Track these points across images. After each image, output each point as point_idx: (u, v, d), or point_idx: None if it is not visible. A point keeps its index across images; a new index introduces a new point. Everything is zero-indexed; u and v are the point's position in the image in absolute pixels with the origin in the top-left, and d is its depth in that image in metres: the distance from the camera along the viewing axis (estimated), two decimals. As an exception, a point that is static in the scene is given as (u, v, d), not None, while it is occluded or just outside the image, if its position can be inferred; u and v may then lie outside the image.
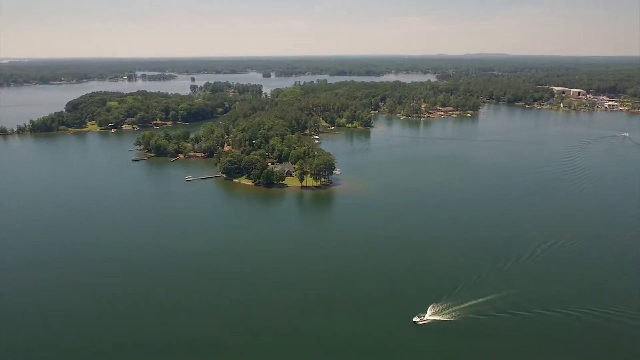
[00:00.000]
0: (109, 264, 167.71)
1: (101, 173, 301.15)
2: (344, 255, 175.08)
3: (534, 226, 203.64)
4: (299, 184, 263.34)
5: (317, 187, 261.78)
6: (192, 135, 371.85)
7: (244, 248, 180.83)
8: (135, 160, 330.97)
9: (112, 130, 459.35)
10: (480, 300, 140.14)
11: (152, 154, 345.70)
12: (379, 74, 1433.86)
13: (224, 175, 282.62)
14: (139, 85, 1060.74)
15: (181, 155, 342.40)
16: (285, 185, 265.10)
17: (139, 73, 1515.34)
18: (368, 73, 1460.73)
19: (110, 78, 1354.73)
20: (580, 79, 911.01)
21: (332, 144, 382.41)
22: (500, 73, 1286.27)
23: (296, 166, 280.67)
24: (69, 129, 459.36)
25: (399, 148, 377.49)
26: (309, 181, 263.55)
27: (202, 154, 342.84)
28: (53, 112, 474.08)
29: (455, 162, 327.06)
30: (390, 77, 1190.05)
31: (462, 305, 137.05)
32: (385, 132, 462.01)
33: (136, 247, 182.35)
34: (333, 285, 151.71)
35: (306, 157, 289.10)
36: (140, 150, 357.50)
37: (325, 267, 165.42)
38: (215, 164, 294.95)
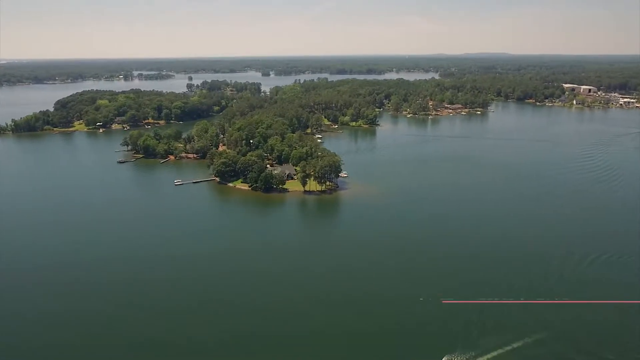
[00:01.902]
0: (86, 271, 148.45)
1: (81, 176, 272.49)
2: (347, 275, 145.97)
3: (564, 234, 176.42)
4: (301, 189, 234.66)
5: (322, 191, 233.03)
6: (185, 135, 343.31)
7: (236, 265, 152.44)
8: (120, 162, 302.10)
9: (100, 130, 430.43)
10: (510, 348, 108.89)
11: (140, 155, 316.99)
12: (380, 73, 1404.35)
13: (218, 179, 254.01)
14: (135, 84, 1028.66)
15: (172, 157, 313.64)
16: (285, 190, 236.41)
17: (135, 72, 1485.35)
18: (369, 72, 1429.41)
19: (106, 77, 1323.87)
20: (588, 77, 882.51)
21: (336, 144, 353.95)
22: (503, 71, 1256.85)
23: (298, 168, 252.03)
24: (55, 128, 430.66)
25: (408, 148, 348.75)
26: (312, 185, 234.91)
27: (195, 155, 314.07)
28: (38, 111, 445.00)
29: (471, 163, 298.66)
30: (391, 76, 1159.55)
31: (487, 356, 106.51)
32: (392, 131, 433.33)
33: (112, 258, 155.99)
34: (331, 318, 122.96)
35: (309, 158, 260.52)
36: (127, 151, 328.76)
37: (327, 288, 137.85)
38: (208, 166, 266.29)
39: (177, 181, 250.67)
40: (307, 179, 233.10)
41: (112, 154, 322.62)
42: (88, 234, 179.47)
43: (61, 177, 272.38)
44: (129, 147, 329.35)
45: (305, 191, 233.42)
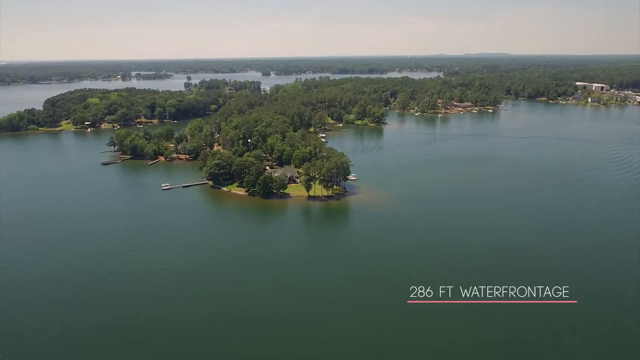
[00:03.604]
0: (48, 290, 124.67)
1: (57, 179, 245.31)
2: (357, 306, 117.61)
3: (619, 246, 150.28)
4: (305, 194, 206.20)
5: (329, 197, 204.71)
6: (177, 134, 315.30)
7: (225, 286, 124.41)
8: (104, 164, 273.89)
9: (88, 130, 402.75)
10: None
11: (127, 157, 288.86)
12: (382, 72, 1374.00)
13: (211, 182, 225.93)
14: (133, 84, 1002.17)
15: (162, 158, 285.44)
16: (287, 195, 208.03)
17: (133, 73, 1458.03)
18: (371, 71, 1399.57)
19: (103, 77, 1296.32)
20: (597, 75, 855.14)
21: (341, 143, 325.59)
22: (508, 70, 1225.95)
23: (301, 170, 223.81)
24: (40, 128, 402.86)
25: (421, 147, 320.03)
26: (317, 189, 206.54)
27: (187, 156, 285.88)
28: (22, 110, 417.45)
29: (492, 163, 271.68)
30: (394, 75, 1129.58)
31: None
32: (402, 130, 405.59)
33: (80, 273, 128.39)
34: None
35: (313, 158, 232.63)
36: (114, 151, 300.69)
37: (334, 316, 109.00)
38: (200, 168, 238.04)
39: (164, 185, 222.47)
40: (311, 183, 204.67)
41: (97, 155, 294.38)
42: (52, 249, 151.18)
43: (34, 181, 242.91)
44: (116, 148, 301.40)
45: (309, 196, 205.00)
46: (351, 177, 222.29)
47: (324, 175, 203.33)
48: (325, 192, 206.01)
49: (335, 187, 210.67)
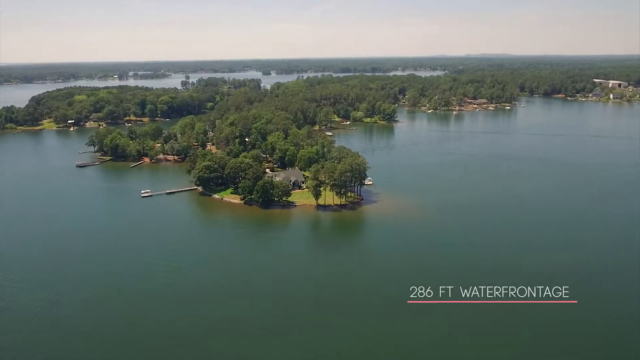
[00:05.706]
0: None
1: (19, 185, 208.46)
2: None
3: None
4: (313, 202, 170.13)
5: (341, 206, 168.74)
6: (165, 133, 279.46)
7: (215, 321, 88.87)
8: (80, 166, 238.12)
9: (72, 128, 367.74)
10: None
11: (108, 158, 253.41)
12: (385, 71, 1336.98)
13: (200, 188, 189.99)
14: (130, 83, 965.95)
15: (146, 159, 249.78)
16: (291, 204, 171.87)
17: (131, 72, 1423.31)
18: (374, 70, 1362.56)
19: (99, 77, 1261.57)
20: (610, 72, 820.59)
21: (349, 143, 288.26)
22: (515, 70, 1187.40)
23: (308, 174, 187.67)
24: (19, 127, 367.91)
25: (440, 146, 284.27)
26: (328, 197, 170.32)
27: (176, 157, 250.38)
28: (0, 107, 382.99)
29: (528, 163, 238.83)
30: (398, 73, 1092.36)
31: None
32: (415, 128, 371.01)
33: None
34: None
35: (321, 159, 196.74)
36: (93, 152, 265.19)
37: None
38: (189, 171, 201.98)
39: (144, 192, 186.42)
40: (320, 189, 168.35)
41: (75, 156, 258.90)
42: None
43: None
44: (96, 148, 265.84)
45: (318, 205, 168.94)
46: (367, 181, 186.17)
47: (336, 180, 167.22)
48: (337, 201, 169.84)
49: (349, 193, 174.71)
